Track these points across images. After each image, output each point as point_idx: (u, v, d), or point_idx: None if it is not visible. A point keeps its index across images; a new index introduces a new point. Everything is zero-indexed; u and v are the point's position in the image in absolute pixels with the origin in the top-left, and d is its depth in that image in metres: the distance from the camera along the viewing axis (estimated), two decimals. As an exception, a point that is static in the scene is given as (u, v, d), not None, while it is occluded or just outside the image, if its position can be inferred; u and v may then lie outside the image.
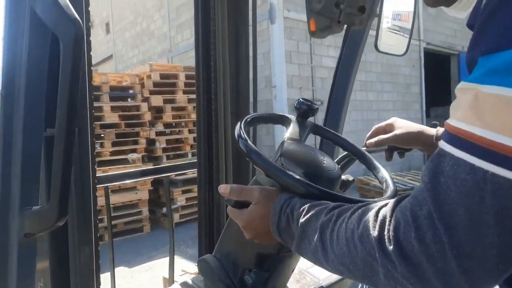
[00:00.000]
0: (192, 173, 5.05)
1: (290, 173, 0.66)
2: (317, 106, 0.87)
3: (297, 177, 0.65)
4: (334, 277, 1.12)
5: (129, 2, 9.74)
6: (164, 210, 4.96)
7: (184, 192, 4.95)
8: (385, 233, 0.43)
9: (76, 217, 0.98)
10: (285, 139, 0.81)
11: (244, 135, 0.72)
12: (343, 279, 1.12)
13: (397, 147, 0.99)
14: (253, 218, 0.65)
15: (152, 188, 4.94)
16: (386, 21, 1.16)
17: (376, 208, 0.48)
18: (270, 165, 0.67)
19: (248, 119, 0.80)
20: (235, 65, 1.51)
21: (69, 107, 0.65)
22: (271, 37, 5.74)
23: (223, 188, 0.68)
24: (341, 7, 0.96)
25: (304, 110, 0.86)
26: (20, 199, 0.71)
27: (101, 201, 1.43)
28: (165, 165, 1.67)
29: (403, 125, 0.98)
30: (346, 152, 0.97)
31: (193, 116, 5.32)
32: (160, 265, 3.56)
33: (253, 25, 1.46)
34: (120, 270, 3.46)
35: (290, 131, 0.85)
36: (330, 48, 6.38)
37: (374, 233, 0.44)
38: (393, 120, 1.00)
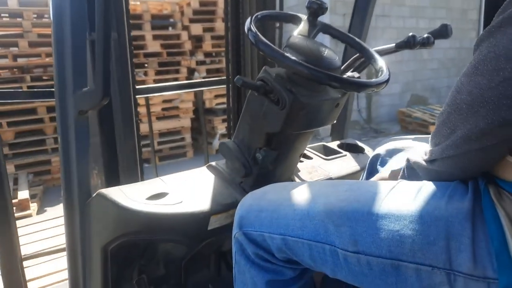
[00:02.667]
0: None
1: (293, 58, 0.76)
2: (326, 6, 0.93)
3: (299, 61, 0.76)
4: (344, 171, 1.25)
5: None
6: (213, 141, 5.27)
7: (224, 121, 5.17)
8: None
9: (119, 100, 1.17)
10: (293, 34, 0.90)
11: (254, 28, 0.82)
12: (351, 173, 1.25)
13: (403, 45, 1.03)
14: None
15: (194, 116, 5.20)
16: None
17: None
18: (275, 52, 0.77)
19: (259, 16, 0.88)
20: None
21: (105, 13, 0.79)
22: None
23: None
24: None
25: (315, 9, 0.92)
26: (73, 84, 0.88)
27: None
28: (198, 80, 1.82)
29: None
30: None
31: (233, 46, 5.34)
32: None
33: None
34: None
35: (299, 28, 0.93)
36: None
37: None
38: None
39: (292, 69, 0.76)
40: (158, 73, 4.75)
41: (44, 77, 4.23)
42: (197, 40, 5.20)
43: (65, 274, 1.75)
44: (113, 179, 1.29)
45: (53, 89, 0.94)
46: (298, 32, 0.92)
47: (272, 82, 0.85)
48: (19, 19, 3.98)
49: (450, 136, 0.57)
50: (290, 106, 0.83)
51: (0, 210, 1.30)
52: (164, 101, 4.68)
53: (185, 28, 5.00)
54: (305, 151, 1.31)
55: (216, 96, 4.92)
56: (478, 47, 0.54)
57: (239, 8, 1.56)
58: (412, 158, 0.70)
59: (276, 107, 0.86)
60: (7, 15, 4.12)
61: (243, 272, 0.74)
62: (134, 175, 1.31)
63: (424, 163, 0.66)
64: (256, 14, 0.88)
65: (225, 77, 1.65)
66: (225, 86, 1.68)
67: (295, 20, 0.96)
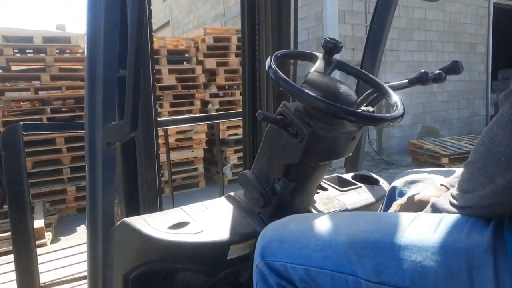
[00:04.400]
0: (243, 134, 5.30)
1: (312, 94, 0.81)
2: (341, 44, 0.99)
3: (318, 96, 0.80)
4: (359, 203, 1.27)
5: (184, -32, 9.92)
6: (218, 168, 5.32)
7: (236, 151, 5.24)
8: None
9: (142, 132, 1.23)
10: (310, 71, 0.95)
11: (274, 65, 0.88)
12: (367, 205, 1.27)
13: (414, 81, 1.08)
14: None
15: (206, 147, 5.28)
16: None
17: None
18: (295, 88, 0.82)
19: (279, 54, 0.94)
20: (277, 22, 1.63)
21: (136, 53, 0.85)
22: (324, -3, 5.63)
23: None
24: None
25: (330, 47, 0.98)
26: (103, 117, 0.94)
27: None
28: (214, 113, 1.88)
29: None
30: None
31: (245, 79, 5.49)
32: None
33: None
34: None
35: (316, 66, 0.98)
36: (386, 6, 6.11)
37: None
38: None
39: (311, 104, 0.81)
40: (172, 105, 4.88)
41: (63, 109, 4.38)
42: (211, 74, 5.37)
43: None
44: (134, 209, 1.32)
45: (83, 121, 1.00)
46: (315, 69, 0.98)
47: (291, 116, 0.89)
48: (42, 55, 4.18)
49: (489, 186, 0.58)
50: (308, 139, 0.87)
51: (22, 238, 1.34)
52: (178, 132, 4.77)
53: (200, 62, 5.19)
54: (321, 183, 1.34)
55: (229, 128, 5.02)
56: (507, 99, 0.56)
57: (255, 45, 1.64)
58: (438, 202, 0.72)
59: (295, 140, 0.90)
60: (31, 51, 4.33)
61: None
62: (154, 205, 1.35)
63: (453, 208, 0.67)
64: (276, 52, 0.94)
65: (240, 110, 1.71)
66: (241, 118, 1.74)
67: (311, 58, 1.02)
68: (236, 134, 5.25)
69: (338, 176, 1.48)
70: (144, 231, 0.90)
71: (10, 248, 3.17)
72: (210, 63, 5.16)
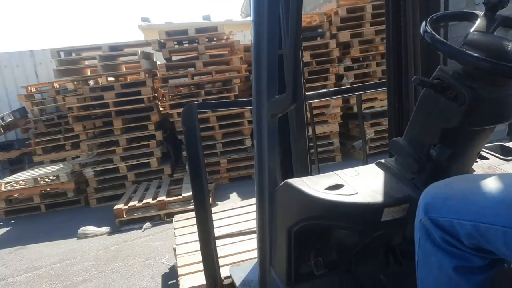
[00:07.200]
0: (381, 106, 5.10)
1: (474, 54, 0.79)
2: (508, -1, 0.91)
3: (479, 56, 0.78)
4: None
5: None
6: (353, 142, 5.27)
7: (373, 125, 5.09)
8: None
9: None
10: (470, 31, 0.91)
11: (429, 29, 0.87)
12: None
13: None
14: None
15: (341, 121, 5.27)
16: None
17: None
18: (454, 49, 0.81)
19: (434, 17, 0.93)
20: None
21: (296, 33, 0.96)
22: None
23: None
24: None
25: (494, 3, 0.92)
26: (267, 92, 1.09)
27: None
28: (357, 85, 1.91)
29: None
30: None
31: (381, 49, 5.22)
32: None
33: None
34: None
35: (476, 25, 0.93)
36: None
37: None
38: None
39: (475, 65, 0.78)
40: (307, 81, 5.00)
41: (213, 91, 4.96)
42: (345, 47, 5.27)
43: (239, 256, 2.06)
44: (288, 173, 1.48)
45: (243, 99, 1.18)
46: (475, 28, 0.92)
47: (449, 79, 0.88)
48: (195, 44, 4.78)
49: None
50: (470, 102, 0.85)
51: (199, 200, 1.64)
52: (315, 107, 4.89)
53: (333, 36, 5.14)
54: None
55: (364, 101, 4.89)
56: None
57: (399, 11, 1.59)
58: None
59: (454, 104, 0.88)
60: (186, 42, 5.00)
61: (428, 255, 0.79)
62: (305, 170, 1.48)
63: None
64: (431, 15, 0.92)
65: (377, 81, 1.68)
66: (379, 90, 1.73)
67: (470, 17, 0.97)
68: (372, 107, 5.09)
69: (500, 144, 1.35)
70: (305, 191, 1.03)
71: (178, 209, 3.83)
72: (344, 36, 5.07)
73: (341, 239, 1.18)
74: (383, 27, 5.42)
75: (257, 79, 1.10)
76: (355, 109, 5.20)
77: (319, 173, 1.93)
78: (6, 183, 4.76)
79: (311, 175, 1.53)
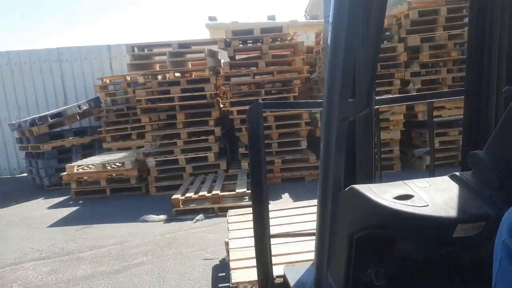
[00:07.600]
0: (448, 116, 4.80)
1: None
2: None
3: None
4: None
5: None
6: (415, 151, 5.02)
7: (437, 135, 4.81)
8: None
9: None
10: None
11: None
12: None
13: None
14: None
15: (404, 129, 5.05)
16: None
17: None
18: None
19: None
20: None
21: (376, 36, 0.94)
22: None
23: None
24: None
25: None
26: (340, 95, 1.08)
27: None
28: (427, 92, 1.82)
29: None
30: None
31: (453, 55, 4.91)
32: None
33: None
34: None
35: None
36: None
37: None
38: None
39: None
40: (370, 85, 4.85)
41: (273, 91, 4.99)
42: (413, 51, 5.04)
43: (292, 257, 2.06)
44: (351, 178, 1.45)
45: (310, 101, 1.17)
46: None
47: (545, 92, 0.81)
48: (259, 44, 4.85)
49: None
50: None
51: (257, 196, 1.66)
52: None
53: (401, 40, 4.94)
54: None
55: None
56: None
57: (486, 15, 1.48)
58: None
59: None
60: (251, 41, 5.08)
61: (509, 279, 0.74)
62: (369, 177, 1.44)
63: None
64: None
65: (447, 90, 1.59)
66: (451, 98, 1.63)
67: None
68: (440, 116, 4.82)
69: None
70: (372, 198, 1.01)
71: (231, 204, 3.92)
72: (413, 40, 4.85)
73: (405, 252, 1.14)
74: (458, 31, 5.12)
75: (330, 81, 1.10)
76: (420, 117, 4.95)
77: (381, 180, 1.87)
78: (78, 166, 5.19)
79: (374, 182, 1.49)
